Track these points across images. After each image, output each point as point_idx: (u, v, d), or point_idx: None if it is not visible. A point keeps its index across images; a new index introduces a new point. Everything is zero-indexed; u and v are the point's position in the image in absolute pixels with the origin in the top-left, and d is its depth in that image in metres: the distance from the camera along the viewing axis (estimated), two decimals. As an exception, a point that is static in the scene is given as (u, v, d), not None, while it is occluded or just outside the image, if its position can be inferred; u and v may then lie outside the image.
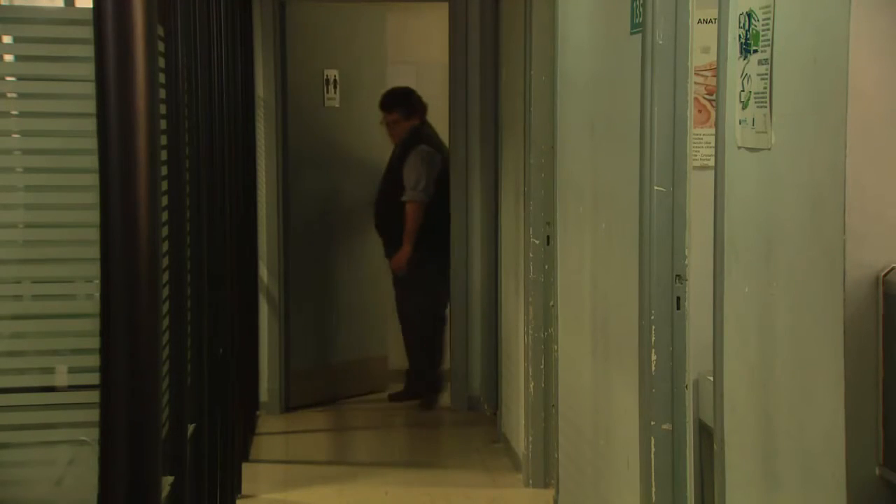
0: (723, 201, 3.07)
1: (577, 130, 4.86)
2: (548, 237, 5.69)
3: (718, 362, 3.09)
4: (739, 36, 2.94)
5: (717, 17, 3.09)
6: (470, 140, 7.65)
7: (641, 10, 3.86)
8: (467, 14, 7.62)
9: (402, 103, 7.76)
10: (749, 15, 2.89)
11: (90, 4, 2.43)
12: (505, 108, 7.03)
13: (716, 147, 3.11)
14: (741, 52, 2.93)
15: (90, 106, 2.73)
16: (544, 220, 5.74)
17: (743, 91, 2.92)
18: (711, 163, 3.53)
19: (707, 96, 3.89)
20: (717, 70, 3.08)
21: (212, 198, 4.20)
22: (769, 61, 2.79)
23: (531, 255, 5.88)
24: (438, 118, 7.88)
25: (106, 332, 2.19)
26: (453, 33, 7.67)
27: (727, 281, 3.06)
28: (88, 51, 2.69)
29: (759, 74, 2.84)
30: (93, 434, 3.24)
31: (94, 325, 2.90)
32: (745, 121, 2.92)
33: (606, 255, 4.47)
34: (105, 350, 2.15)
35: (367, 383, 8.03)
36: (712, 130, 3.55)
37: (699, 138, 3.82)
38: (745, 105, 2.92)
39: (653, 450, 3.79)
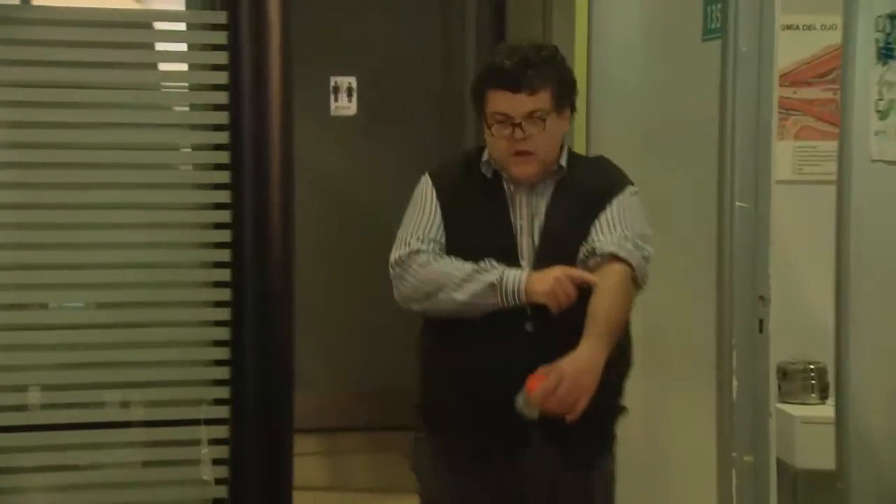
0: (848, 219, 2.86)
1: (622, 142, 4.63)
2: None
3: (843, 393, 2.88)
4: (877, 40, 2.74)
5: (841, 22, 2.89)
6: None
7: (719, 15, 3.65)
8: (464, 11, 7.30)
9: (557, 76, 3.17)
10: (892, 18, 2.68)
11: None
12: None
13: (840, 160, 2.90)
14: (879, 58, 2.74)
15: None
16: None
17: (882, 100, 2.72)
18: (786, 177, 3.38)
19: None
20: (843, 78, 2.87)
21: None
22: (919, 67, 2.59)
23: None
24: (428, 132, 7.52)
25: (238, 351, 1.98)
26: (446, 34, 7.35)
27: (854, 306, 2.85)
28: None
29: (904, 82, 2.64)
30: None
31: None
32: (885, 132, 2.71)
33: (661, 274, 4.25)
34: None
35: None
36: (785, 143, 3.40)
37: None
38: (883, 115, 2.72)
39: (734, 482, 3.57)
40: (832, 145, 4.39)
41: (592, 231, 3.13)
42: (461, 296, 3.05)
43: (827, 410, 4.20)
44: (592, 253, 3.10)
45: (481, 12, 7.19)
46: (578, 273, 3.04)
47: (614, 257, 3.08)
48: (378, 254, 6.53)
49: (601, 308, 3.01)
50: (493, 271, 3.05)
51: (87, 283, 2.60)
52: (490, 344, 3.07)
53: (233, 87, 1.87)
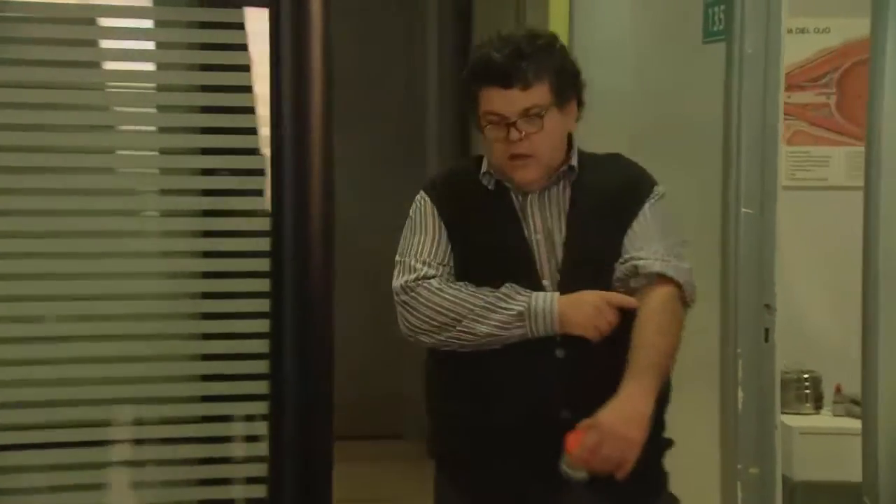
0: (877, 223, 2.78)
1: (609, 146, 4.53)
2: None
3: (870, 402, 2.80)
4: (910, 42, 2.66)
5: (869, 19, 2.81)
6: (428, 163, 7.18)
7: (722, 17, 3.57)
8: (426, 12, 7.14)
9: (555, 66, 2.78)
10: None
11: None
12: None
13: (867, 164, 2.81)
14: (912, 60, 2.66)
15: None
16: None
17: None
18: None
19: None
20: (871, 79, 2.79)
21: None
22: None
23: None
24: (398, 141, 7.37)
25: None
26: (408, 34, 7.19)
27: (881, 316, 2.77)
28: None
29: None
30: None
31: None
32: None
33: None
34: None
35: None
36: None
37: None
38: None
39: (739, 495, 3.49)
40: (825, 151, 4.37)
41: (627, 243, 2.72)
42: (484, 328, 2.63)
43: (823, 420, 4.16)
44: (634, 272, 2.69)
45: (443, 12, 7.07)
46: (618, 297, 2.67)
47: (661, 277, 2.68)
48: (340, 260, 6.44)
49: (645, 340, 2.59)
50: (518, 298, 2.64)
51: (120, 294, 2.48)
52: (515, 374, 2.66)
53: (273, 89, 1.74)
